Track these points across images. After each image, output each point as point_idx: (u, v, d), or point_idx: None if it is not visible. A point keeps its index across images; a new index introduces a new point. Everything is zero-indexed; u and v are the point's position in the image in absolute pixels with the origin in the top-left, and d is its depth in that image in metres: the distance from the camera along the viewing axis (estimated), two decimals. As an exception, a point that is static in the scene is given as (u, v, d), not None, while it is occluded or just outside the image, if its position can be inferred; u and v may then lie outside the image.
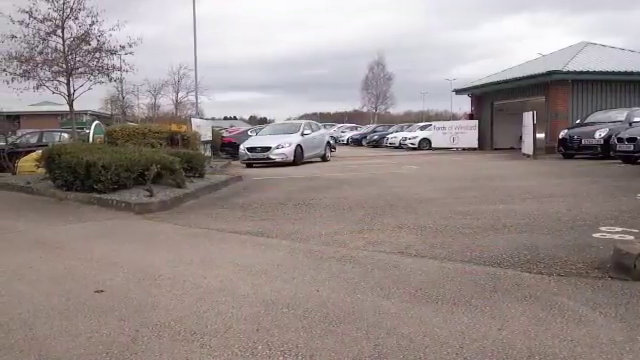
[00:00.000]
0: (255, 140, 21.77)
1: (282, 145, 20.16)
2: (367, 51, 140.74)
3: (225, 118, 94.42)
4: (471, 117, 32.57)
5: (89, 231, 7.70)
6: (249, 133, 27.50)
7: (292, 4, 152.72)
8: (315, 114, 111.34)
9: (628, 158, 15.26)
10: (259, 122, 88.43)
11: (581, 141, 18.95)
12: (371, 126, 52.83)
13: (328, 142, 24.70)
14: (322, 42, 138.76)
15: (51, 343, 3.54)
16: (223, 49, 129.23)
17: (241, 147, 21.19)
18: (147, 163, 10.49)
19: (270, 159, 19.90)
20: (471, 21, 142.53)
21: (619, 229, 6.47)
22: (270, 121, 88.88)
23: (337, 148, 29.12)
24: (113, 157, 10.44)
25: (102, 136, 16.52)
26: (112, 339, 3.57)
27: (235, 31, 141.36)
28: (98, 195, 9.92)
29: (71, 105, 16.94)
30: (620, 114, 19.36)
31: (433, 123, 36.12)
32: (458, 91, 34.11)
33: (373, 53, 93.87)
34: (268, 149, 20.11)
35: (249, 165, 20.41)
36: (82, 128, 26.74)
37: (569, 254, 5.38)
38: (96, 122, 18.75)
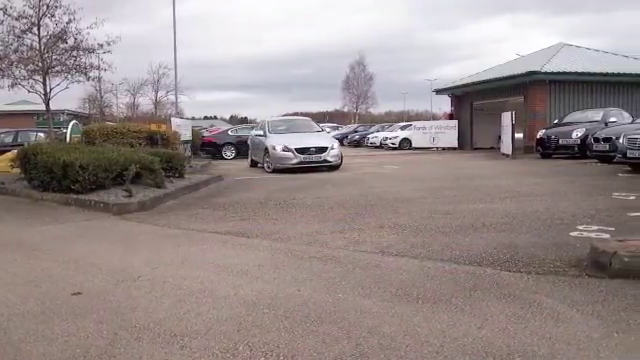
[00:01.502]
0: (288, 138, 16.70)
1: (334, 146, 16.74)
2: (349, 51, 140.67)
3: (205, 118, 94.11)
4: (451, 117, 32.74)
5: (66, 232, 7.61)
6: (229, 133, 27.36)
7: (276, 4, 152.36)
8: (296, 113, 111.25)
9: (604, 158, 15.44)
10: (240, 122, 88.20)
11: (558, 141, 19.17)
12: (352, 126, 52.90)
13: None
14: (305, 42, 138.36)
15: (27, 347, 3.48)
16: (206, 48, 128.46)
17: (276, 146, 16.35)
18: (126, 163, 10.39)
19: (327, 162, 16.15)
20: (453, 22, 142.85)
21: (595, 227, 6.56)
22: (251, 121, 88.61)
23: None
24: (91, 157, 10.31)
25: (79, 136, 16.33)
26: (90, 342, 3.52)
27: (218, 31, 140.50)
28: (75, 196, 9.80)
29: (47, 104, 16.75)
30: (596, 114, 19.63)
31: (413, 123, 36.22)
32: (438, 91, 34.28)
33: (355, 53, 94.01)
34: (324, 150, 16.18)
35: (286, 171, 15.86)
36: (59, 128, 26.49)
37: (547, 253, 5.44)
38: (73, 121, 18.51)
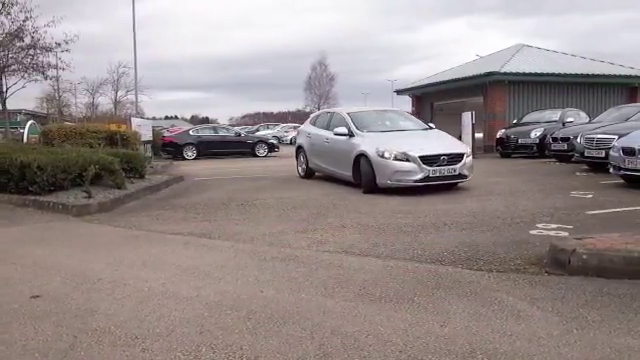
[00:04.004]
0: (395, 141, 10.89)
1: (468, 152, 11.09)
2: (311, 52, 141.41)
3: (166, 117, 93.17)
4: (412, 117, 32.97)
5: (24, 234, 7.43)
6: (191, 133, 27.12)
7: (234, 4, 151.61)
8: (258, 114, 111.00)
9: (562, 157, 15.81)
10: (201, 121, 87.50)
11: (518, 140, 19.53)
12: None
13: None
14: (266, 42, 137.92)
15: (-16, 352, 3.40)
16: (168, 48, 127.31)
17: (385, 153, 10.35)
18: (85, 164, 10.20)
19: (462, 177, 10.56)
20: (411, 24, 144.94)
21: (554, 226, 6.71)
22: (212, 121, 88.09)
23: (281, 148, 29.06)
24: (49, 157, 10.10)
25: (37, 136, 16.00)
26: (49, 346, 3.45)
27: (180, 30, 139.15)
28: (33, 197, 9.58)
29: (4, 103, 16.40)
30: (554, 114, 20.05)
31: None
32: (399, 92, 34.56)
33: (316, 53, 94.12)
34: (458, 159, 10.50)
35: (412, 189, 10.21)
36: (16, 128, 25.87)
37: (507, 251, 5.54)
38: (31, 121, 18.17)
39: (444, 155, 10.28)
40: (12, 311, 4.14)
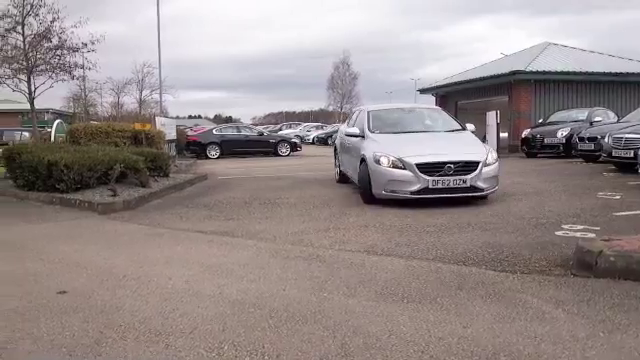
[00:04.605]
0: (402, 143, 9.34)
1: (489, 159, 8.89)
2: (333, 51, 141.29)
3: (190, 117, 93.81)
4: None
5: (51, 231, 7.55)
6: (214, 132, 27.28)
7: (257, 6, 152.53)
8: (281, 113, 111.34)
9: (589, 157, 15.57)
10: (224, 121, 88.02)
11: (543, 140, 19.28)
12: (337, 125, 52.82)
13: None
14: (289, 42, 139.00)
15: (12, 346, 3.46)
16: (191, 48, 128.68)
17: (381, 158, 8.81)
18: (110, 162, 10.34)
19: (476, 190, 8.60)
20: (435, 23, 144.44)
21: (581, 227, 6.61)
22: (235, 120, 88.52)
23: (303, 147, 29.09)
24: (75, 156, 10.26)
25: (64, 135, 16.23)
26: (75, 341, 3.50)
27: (204, 31, 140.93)
28: (60, 195, 9.74)
29: (32, 103, 16.61)
30: (581, 113, 19.75)
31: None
32: (422, 91, 34.33)
33: (339, 53, 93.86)
34: (471, 167, 8.59)
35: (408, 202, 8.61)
36: (44, 127, 26.24)
37: (532, 252, 5.47)
38: (58, 121, 18.41)
39: (450, 163, 8.45)
40: (40, 306, 4.21)
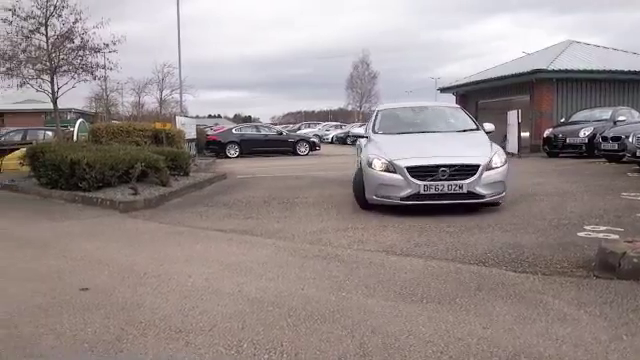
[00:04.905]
0: (402, 145, 8.76)
1: (494, 161, 8.11)
2: (352, 50, 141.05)
3: (209, 116, 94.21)
4: (456, 116, 32.54)
5: (74, 229, 7.65)
6: (234, 131, 27.42)
7: (278, 5, 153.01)
8: (300, 112, 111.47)
9: (613, 157, 15.34)
10: (243, 120, 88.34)
11: (566, 140, 19.04)
12: (356, 124, 52.79)
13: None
14: (308, 41, 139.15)
15: (36, 341, 3.52)
16: (210, 48, 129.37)
17: (374, 161, 8.19)
18: (131, 161, 10.44)
19: (474, 197, 7.80)
20: (455, 21, 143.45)
21: (603, 228, 6.52)
22: (255, 119, 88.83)
23: (322, 146, 29.10)
24: (97, 155, 10.39)
25: (86, 134, 16.41)
26: (97, 337, 3.54)
27: (223, 30, 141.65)
28: (83, 193, 9.86)
29: (55, 103, 16.80)
30: (605, 113, 19.46)
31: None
32: (443, 90, 34.08)
33: (358, 52, 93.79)
34: (469, 171, 7.80)
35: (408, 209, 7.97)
36: (66, 126, 26.56)
37: (554, 253, 5.42)
38: (80, 120, 18.63)
39: (444, 166, 7.67)
40: (63, 303, 4.27)
